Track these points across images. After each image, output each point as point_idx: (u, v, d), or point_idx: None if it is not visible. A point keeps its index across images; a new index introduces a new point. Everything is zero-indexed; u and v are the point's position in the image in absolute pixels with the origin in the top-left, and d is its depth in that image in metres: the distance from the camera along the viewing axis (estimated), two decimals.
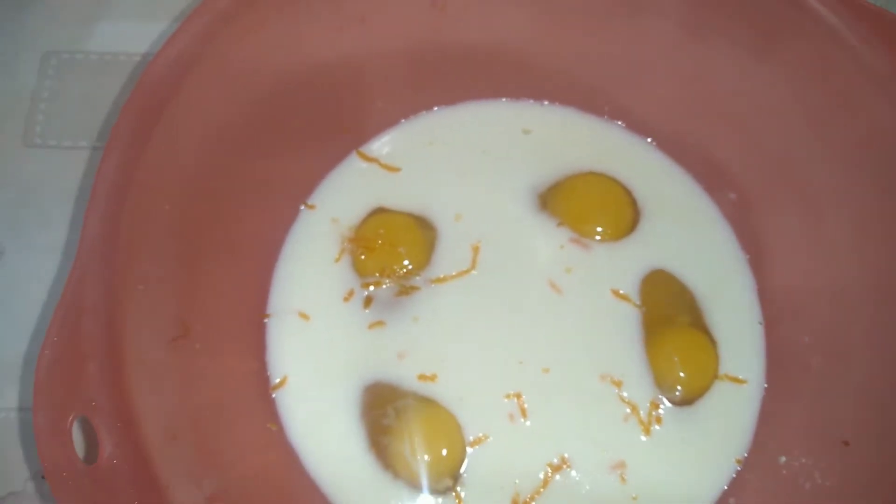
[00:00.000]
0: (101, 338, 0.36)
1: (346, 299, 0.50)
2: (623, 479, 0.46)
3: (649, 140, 0.56)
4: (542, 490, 0.46)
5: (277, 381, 0.48)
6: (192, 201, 0.45)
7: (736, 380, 0.49)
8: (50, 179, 0.56)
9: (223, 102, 0.46)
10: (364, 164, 0.55)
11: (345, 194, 0.54)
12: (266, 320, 0.50)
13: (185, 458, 0.38)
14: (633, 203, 0.54)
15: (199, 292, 0.46)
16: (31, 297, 0.52)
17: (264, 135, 0.49)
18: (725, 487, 0.47)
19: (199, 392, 0.42)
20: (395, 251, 0.51)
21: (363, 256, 0.51)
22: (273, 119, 0.49)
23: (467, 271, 0.51)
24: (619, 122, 0.57)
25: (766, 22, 0.47)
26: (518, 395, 0.48)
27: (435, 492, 0.46)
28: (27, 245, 0.54)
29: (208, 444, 0.41)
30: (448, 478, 0.46)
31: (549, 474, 0.46)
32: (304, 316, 0.50)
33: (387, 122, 0.56)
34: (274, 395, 0.48)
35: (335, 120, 0.53)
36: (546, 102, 0.57)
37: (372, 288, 0.51)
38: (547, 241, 0.52)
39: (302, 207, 0.53)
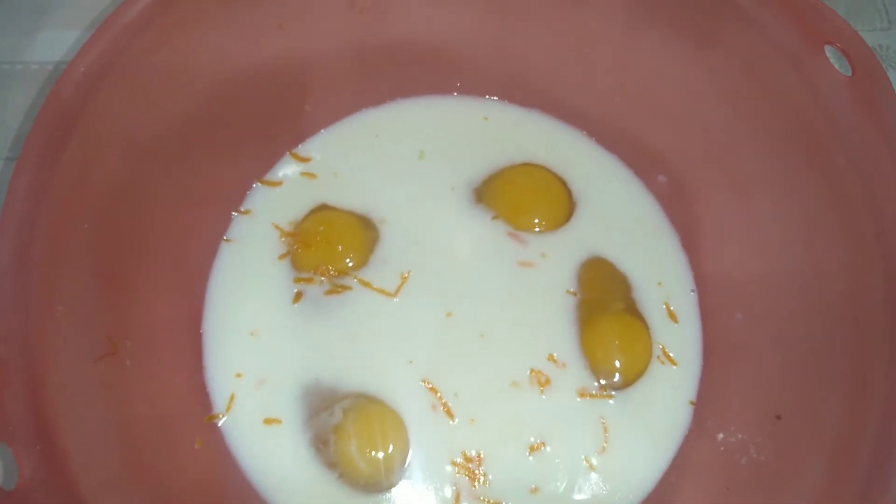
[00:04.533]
0: (17, 363, 0.35)
1: (280, 300, 0.50)
2: (562, 464, 0.46)
3: (580, 130, 0.56)
4: (477, 479, 0.46)
5: (217, 392, 0.47)
6: (114, 216, 0.44)
7: (671, 361, 0.49)
8: None
9: (142, 112, 0.46)
10: (300, 166, 0.54)
11: (281, 197, 0.53)
12: (201, 331, 0.49)
13: (116, 479, 0.38)
14: (568, 192, 0.55)
15: (127, 308, 0.45)
16: None
17: (191, 143, 0.49)
18: (667, 467, 0.47)
19: (132, 408, 0.42)
20: (333, 248, 0.51)
21: (300, 251, 0.51)
22: (199, 127, 0.49)
23: (397, 287, 0.51)
24: (552, 114, 0.57)
25: (697, 15, 0.48)
26: (454, 393, 0.48)
27: (381, 488, 0.46)
28: None
29: (140, 460, 0.40)
30: (393, 473, 0.46)
31: (476, 467, 0.46)
32: (240, 323, 0.49)
33: (319, 123, 0.56)
34: (214, 407, 0.47)
35: (264, 124, 0.53)
36: (479, 97, 0.57)
37: (303, 283, 0.50)
38: (482, 236, 0.53)
39: (234, 214, 0.53)
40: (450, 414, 0.47)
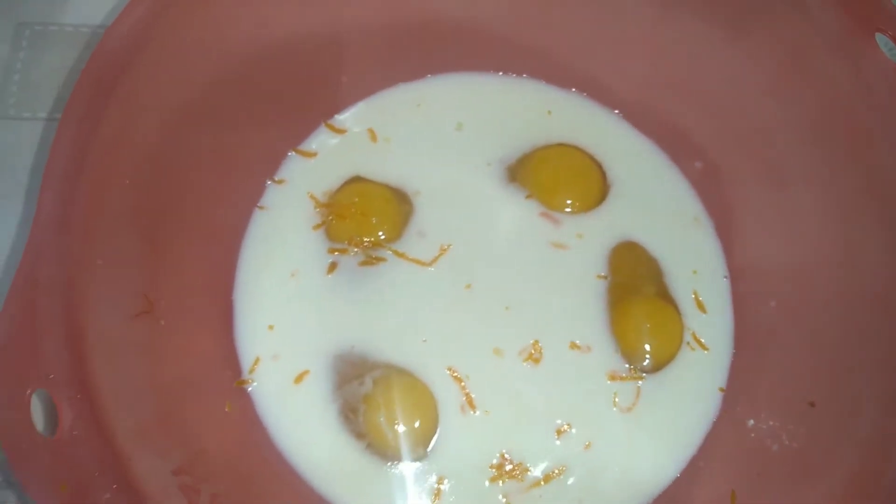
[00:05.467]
0: (58, 312, 0.35)
1: (313, 269, 0.50)
2: (589, 446, 0.46)
3: (616, 112, 0.56)
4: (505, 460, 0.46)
5: (246, 358, 0.47)
6: (154, 177, 0.45)
7: (701, 346, 0.49)
8: (25, 151, 0.55)
9: (181, 77, 0.46)
10: (335, 138, 0.54)
11: (316, 168, 0.53)
12: (233, 297, 0.49)
13: (150, 431, 0.38)
14: (603, 174, 0.54)
15: (163, 269, 0.45)
16: None
17: (228, 110, 0.49)
18: (695, 452, 0.47)
19: (165, 367, 0.42)
20: (367, 220, 0.51)
21: (334, 222, 0.51)
22: (236, 94, 0.49)
23: (433, 258, 0.50)
24: (588, 95, 0.56)
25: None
26: (482, 369, 0.48)
27: (408, 460, 0.46)
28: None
29: (174, 418, 0.40)
30: (422, 447, 0.46)
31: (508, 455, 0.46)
32: (272, 290, 0.49)
33: (356, 95, 0.56)
34: (244, 371, 0.47)
35: (301, 94, 0.53)
36: (515, 76, 0.57)
37: (337, 254, 0.50)
38: (515, 215, 0.52)
39: (269, 182, 0.53)
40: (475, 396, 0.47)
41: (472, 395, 0.47)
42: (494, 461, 0.46)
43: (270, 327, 0.49)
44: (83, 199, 0.39)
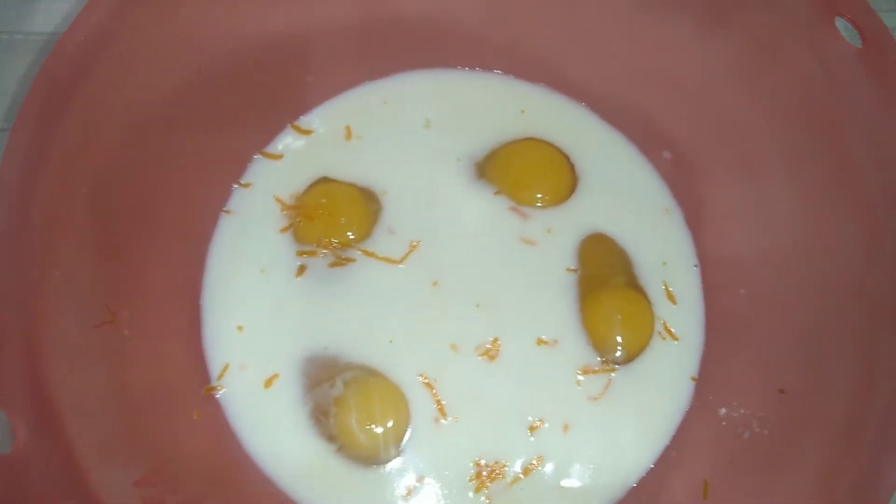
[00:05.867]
0: (14, 326, 0.35)
1: (282, 272, 0.50)
2: (564, 436, 0.46)
3: (585, 105, 0.55)
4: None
5: (214, 364, 0.47)
6: (114, 184, 0.44)
7: (671, 336, 0.49)
8: None
9: (142, 81, 0.45)
10: (301, 139, 0.54)
11: (282, 170, 0.53)
12: (200, 302, 0.49)
13: (112, 443, 0.38)
14: (571, 168, 0.54)
15: (126, 277, 0.45)
16: None
17: (191, 114, 0.48)
18: (668, 442, 0.47)
19: (130, 377, 0.42)
20: (335, 221, 0.50)
21: (302, 224, 0.50)
22: (199, 97, 0.48)
23: (403, 256, 0.50)
24: (557, 89, 0.56)
25: None
26: (453, 367, 0.48)
27: (379, 461, 0.46)
28: None
29: (139, 429, 0.40)
30: (393, 447, 0.46)
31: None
32: (240, 295, 0.49)
33: (322, 95, 0.55)
34: (213, 378, 0.47)
35: (266, 96, 0.52)
36: (483, 71, 0.56)
37: (305, 257, 0.50)
38: (485, 211, 0.52)
39: (235, 186, 0.52)
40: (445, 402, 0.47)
41: (443, 402, 0.47)
42: (471, 465, 0.46)
43: (240, 330, 0.48)
44: (38, 209, 0.38)
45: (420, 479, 0.46)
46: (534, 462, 0.46)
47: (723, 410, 0.46)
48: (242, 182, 0.52)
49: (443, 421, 0.46)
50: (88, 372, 0.39)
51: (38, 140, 0.39)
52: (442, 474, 0.46)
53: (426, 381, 0.47)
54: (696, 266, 0.52)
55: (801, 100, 0.46)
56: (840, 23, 0.43)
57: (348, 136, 0.54)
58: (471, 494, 0.46)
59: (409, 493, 0.45)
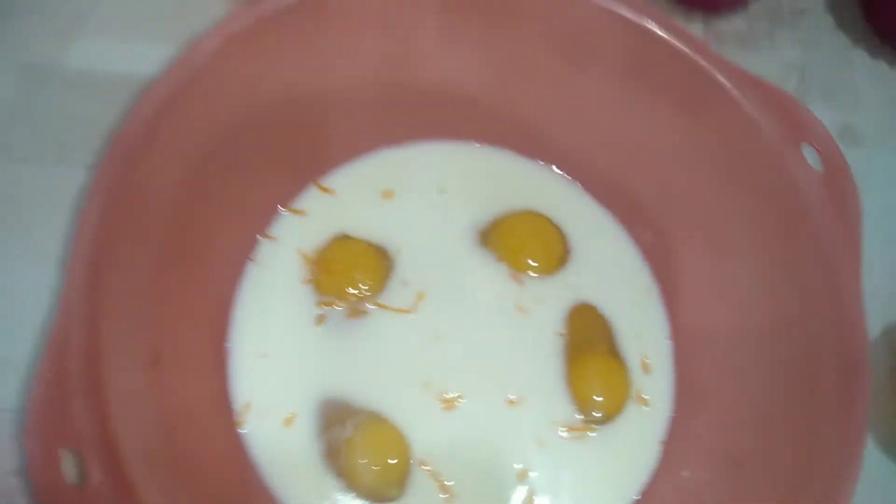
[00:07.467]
0: (85, 374, 0.39)
1: (303, 321, 0.55)
2: (532, 494, 0.52)
3: (581, 185, 0.62)
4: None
5: (240, 403, 0.52)
6: (162, 235, 0.49)
7: (643, 402, 0.56)
8: (33, 194, 0.57)
9: (193, 136, 0.50)
10: (323, 197, 0.59)
11: (306, 225, 0.58)
12: (226, 345, 0.53)
13: (162, 479, 0.42)
14: (564, 240, 0.60)
15: (167, 319, 0.49)
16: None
17: (225, 167, 0.53)
18: (637, 497, 0.53)
19: (171, 416, 0.46)
20: (351, 275, 0.56)
21: (321, 278, 0.56)
22: (233, 153, 0.53)
23: (412, 307, 0.56)
24: (553, 166, 0.62)
25: (687, 88, 0.54)
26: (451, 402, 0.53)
27: (385, 500, 0.51)
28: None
29: (180, 465, 0.44)
30: (395, 488, 0.51)
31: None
32: (264, 339, 0.54)
33: (342, 158, 0.60)
34: (237, 416, 0.52)
35: (293, 155, 0.57)
36: (492, 146, 0.62)
37: (325, 307, 0.55)
38: (486, 276, 0.58)
39: (259, 237, 0.57)
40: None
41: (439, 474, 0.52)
42: None
43: (263, 371, 0.53)
44: (106, 263, 0.42)
45: None
46: None
47: (686, 473, 0.52)
48: (268, 234, 0.57)
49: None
50: (141, 412, 0.43)
51: (108, 200, 0.43)
52: None
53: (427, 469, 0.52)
54: (668, 339, 0.58)
55: (767, 197, 0.52)
56: (806, 148, 0.51)
57: (367, 196, 0.59)
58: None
59: None
